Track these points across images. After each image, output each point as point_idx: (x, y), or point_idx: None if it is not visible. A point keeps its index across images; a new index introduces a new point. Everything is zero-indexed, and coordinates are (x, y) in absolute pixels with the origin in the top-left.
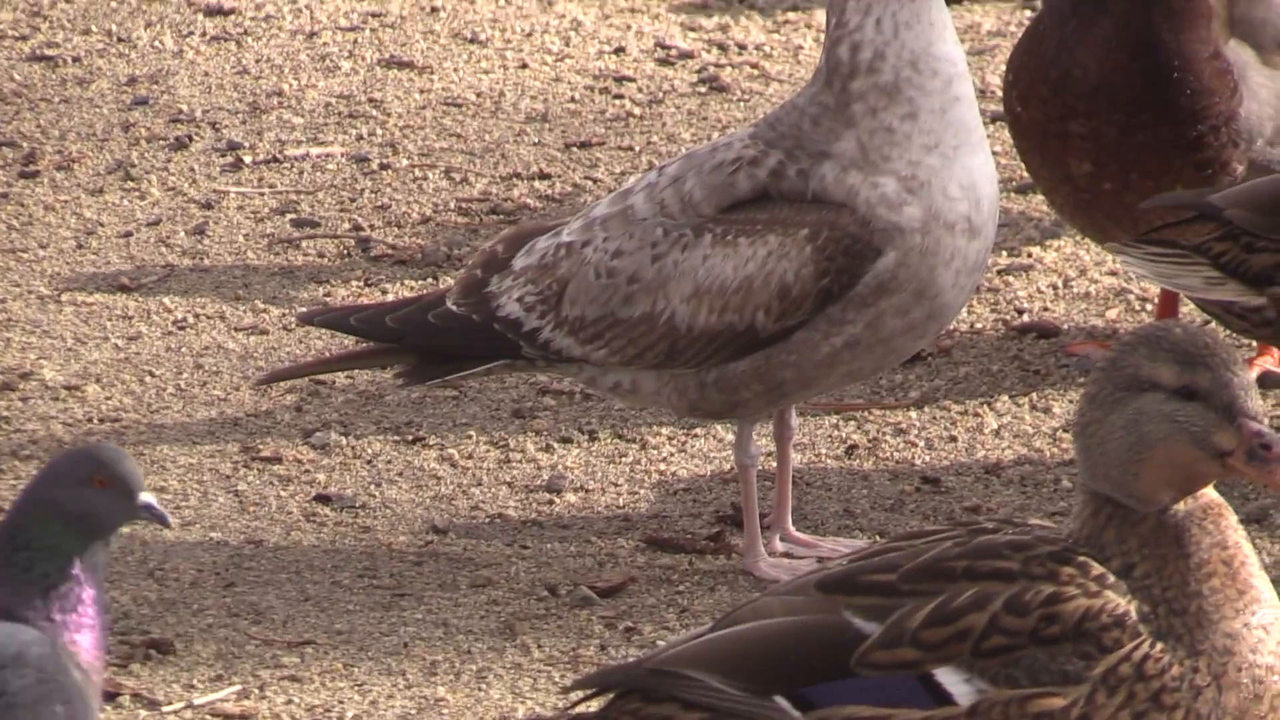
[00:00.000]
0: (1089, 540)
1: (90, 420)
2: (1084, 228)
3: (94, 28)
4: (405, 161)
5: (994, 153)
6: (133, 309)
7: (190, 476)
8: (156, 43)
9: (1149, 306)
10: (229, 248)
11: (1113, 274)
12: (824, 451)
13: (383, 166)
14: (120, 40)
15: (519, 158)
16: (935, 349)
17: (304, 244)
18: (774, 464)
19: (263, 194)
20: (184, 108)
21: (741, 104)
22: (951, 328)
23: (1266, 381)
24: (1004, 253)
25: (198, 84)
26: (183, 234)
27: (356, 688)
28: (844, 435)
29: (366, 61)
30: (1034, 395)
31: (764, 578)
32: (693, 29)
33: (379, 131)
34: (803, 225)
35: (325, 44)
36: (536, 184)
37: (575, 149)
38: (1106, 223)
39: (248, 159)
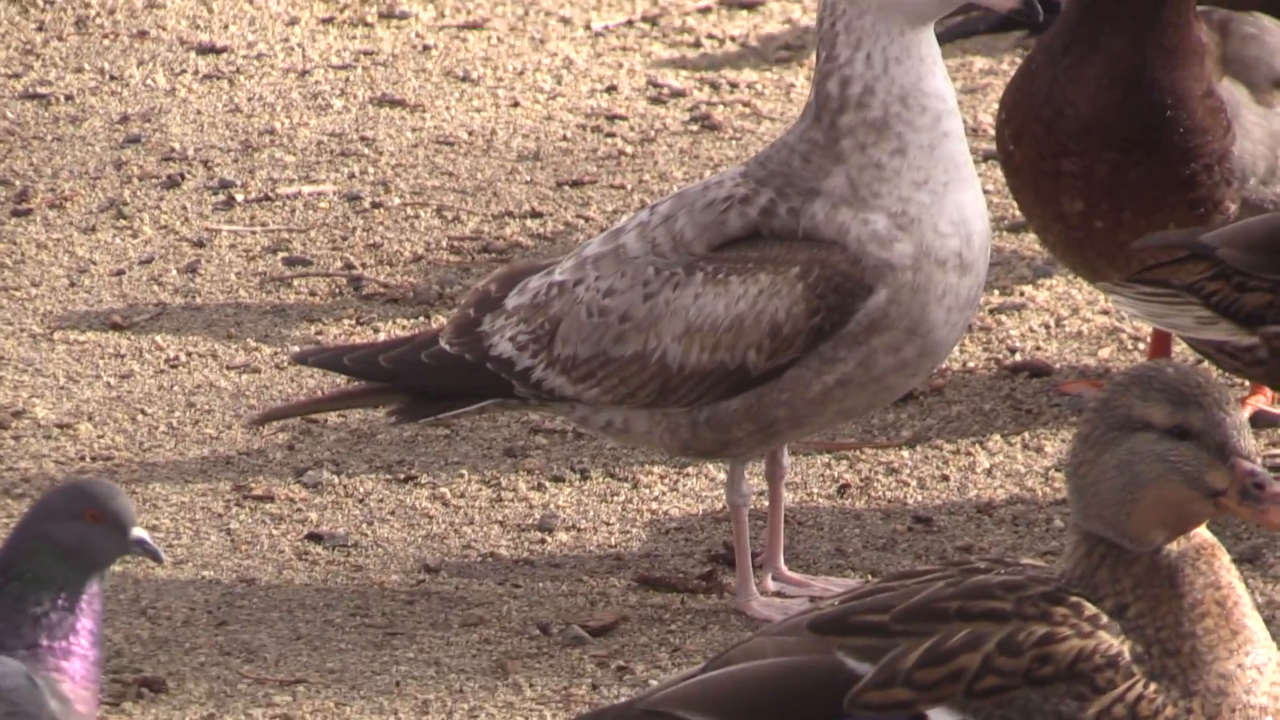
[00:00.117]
0: (1082, 580)
1: (83, 458)
2: (1076, 266)
3: (86, 66)
4: (397, 200)
5: (986, 191)
6: (125, 347)
7: (182, 515)
8: (149, 81)
9: (1141, 346)
10: (221, 286)
11: (1105, 313)
12: (816, 490)
13: (375, 205)
14: (113, 78)
15: (511, 196)
16: (927, 388)
17: (296, 282)
18: (766, 503)
19: (255, 232)
20: (176, 146)
21: (733, 142)
22: (944, 367)
23: (1259, 421)
24: (996, 291)
25: (190, 122)
26: (175, 272)
27: None
28: (836, 474)
29: (358, 100)
30: (1026, 434)
31: (756, 617)
32: (684, 67)
33: (371, 170)
34: (794, 263)
35: (317, 82)
36: (528, 222)
37: (567, 187)
38: (1099, 261)
39: (240, 197)
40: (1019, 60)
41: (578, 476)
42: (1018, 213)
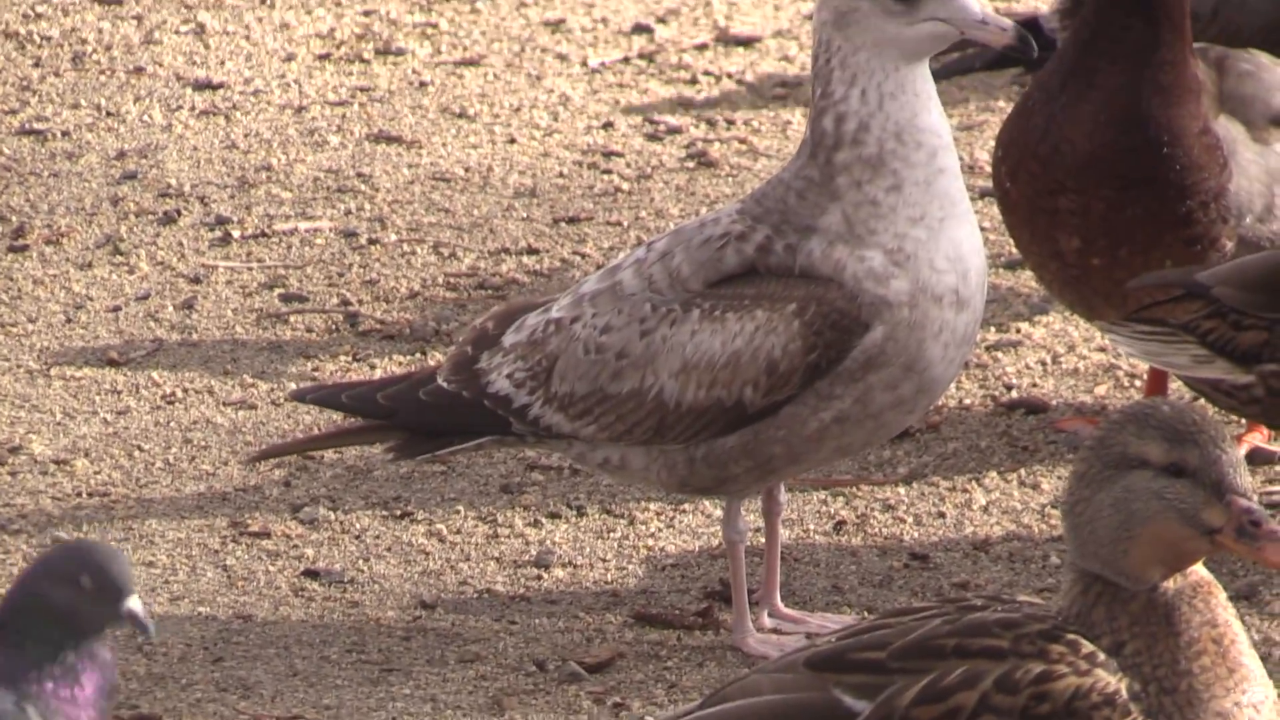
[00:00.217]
0: (1078, 618)
1: (79, 494)
2: (1073, 304)
3: (83, 102)
4: (393, 236)
5: (983, 228)
6: (121, 383)
7: (179, 551)
8: (145, 117)
9: (1138, 383)
10: (217, 322)
11: (1101, 350)
12: (812, 527)
13: (371, 241)
14: (109, 114)
15: (507, 233)
16: (923, 425)
17: (292, 319)
18: (763, 539)
19: (251, 269)
20: (173, 182)
21: (730, 179)
22: (940, 404)
23: (1256, 458)
24: (992, 329)
25: (186, 158)
26: (171, 308)
27: None
28: (832, 511)
29: (355, 136)
30: (1022, 471)
31: (752, 654)
32: (681, 104)
33: (367, 206)
34: (790, 300)
35: (314, 118)
36: (525, 259)
37: (563, 224)
38: (1095, 298)
39: (236, 233)
40: (1015, 97)
41: (574, 513)
42: (1014, 250)
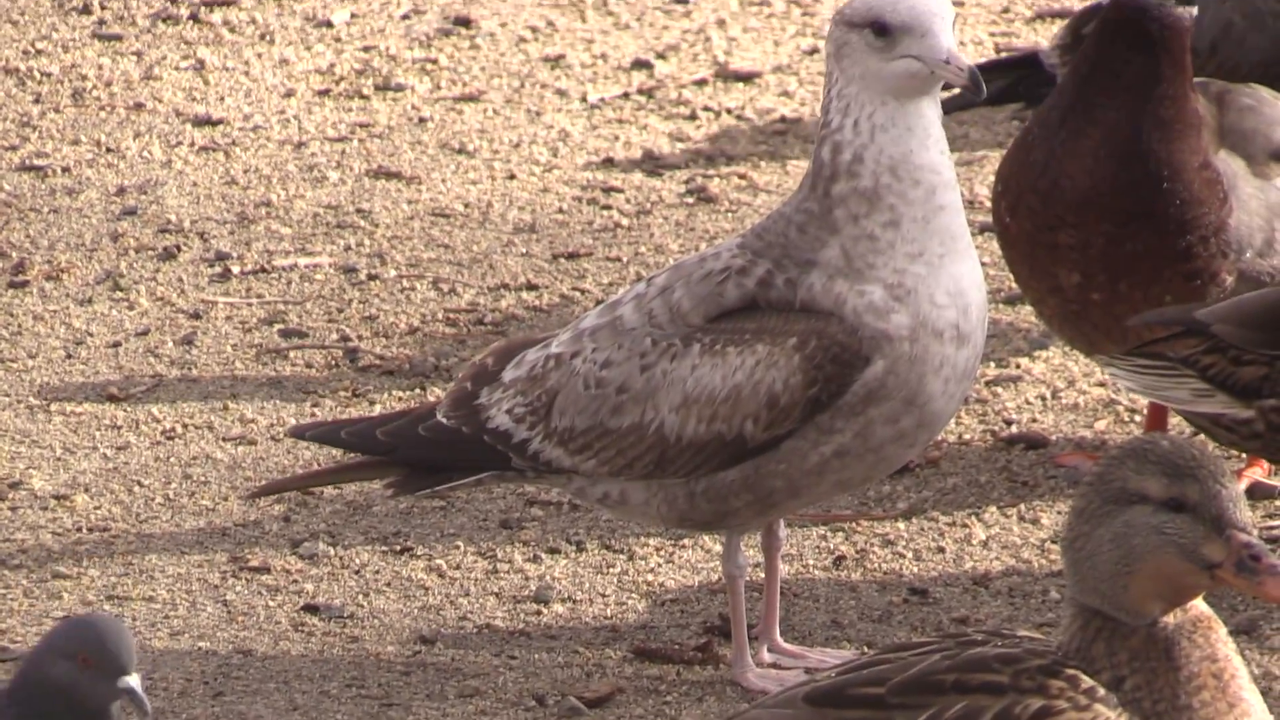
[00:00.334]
0: (1078, 653)
1: (79, 529)
2: (1072, 339)
3: (83, 138)
4: (393, 272)
5: (982, 263)
6: (121, 419)
7: (179, 586)
8: (145, 153)
9: (1138, 418)
10: (217, 358)
11: (1101, 385)
12: (812, 562)
13: (370, 277)
14: (109, 150)
15: (507, 268)
16: (923, 460)
17: (292, 354)
18: (762, 575)
19: (250, 304)
20: (172, 218)
21: (729, 215)
22: (940, 439)
23: (1256, 492)
24: (992, 364)
25: (186, 194)
26: (171, 344)
27: None
28: (832, 546)
29: (354, 172)
30: (1022, 506)
31: (752, 688)
32: (680, 140)
33: (367, 242)
34: (791, 334)
35: (313, 154)
36: (524, 295)
37: (563, 260)
38: (1095, 334)
39: (236, 269)
40: (1016, 133)
41: (573, 548)
42: (1014, 285)
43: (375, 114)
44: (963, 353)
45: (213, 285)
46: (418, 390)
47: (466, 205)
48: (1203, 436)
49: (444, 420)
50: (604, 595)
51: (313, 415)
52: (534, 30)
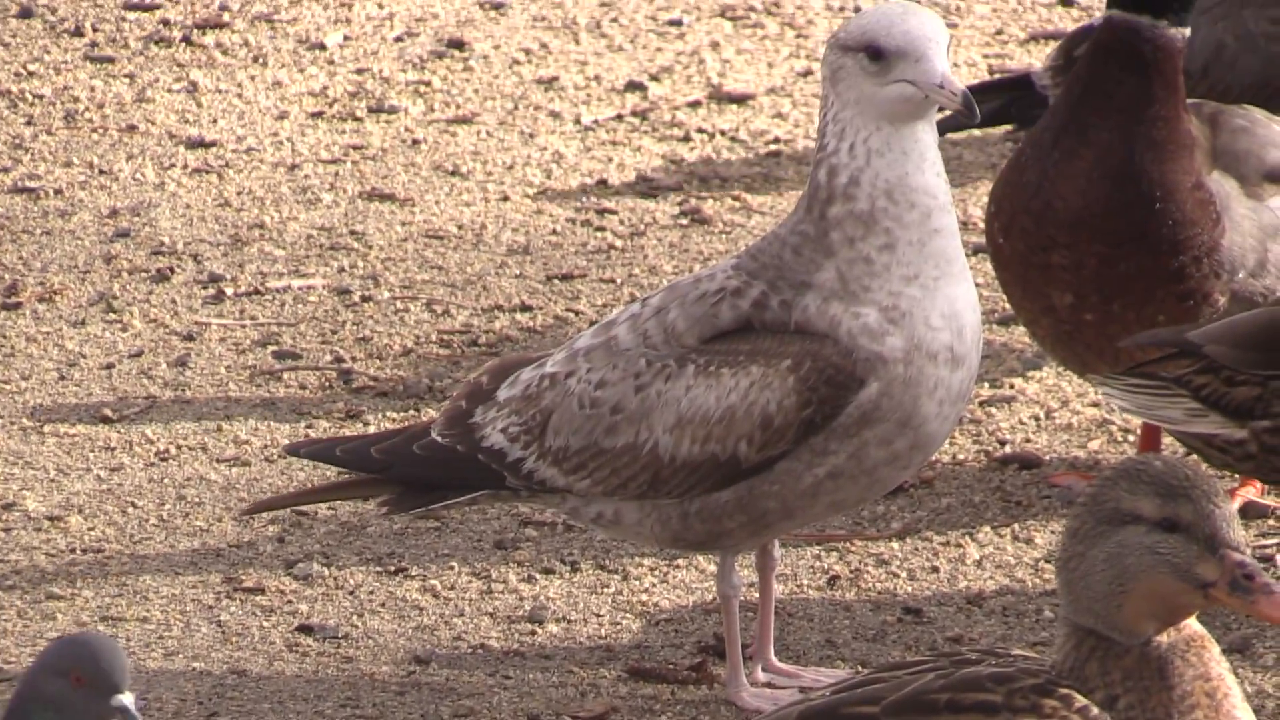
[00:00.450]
0: (1072, 672)
1: (73, 551)
2: (1065, 359)
3: (76, 160)
4: (387, 293)
5: (976, 284)
6: (115, 440)
7: (173, 607)
8: (138, 175)
9: (1131, 438)
10: (211, 379)
11: (1095, 405)
12: (806, 582)
13: (364, 298)
14: (102, 172)
15: (500, 290)
16: (917, 480)
17: (285, 376)
18: (756, 594)
19: (244, 326)
20: (166, 240)
21: (723, 236)
22: (933, 459)
23: (1250, 511)
24: (986, 384)
25: (179, 216)
26: (164, 366)
27: None
28: (826, 566)
29: (348, 194)
30: (1016, 526)
31: (746, 708)
32: (674, 161)
33: (360, 263)
34: (785, 356)
35: (306, 176)
36: (518, 316)
37: (557, 281)
38: (1088, 354)
39: (229, 291)
40: (1009, 154)
41: (568, 569)
42: (1007, 306)
43: (369, 136)
44: (957, 375)
45: (206, 307)
46: (411, 411)
47: (460, 227)
48: (1195, 457)
49: (439, 438)
50: (598, 615)
51: (306, 436)
52: (527, 52)
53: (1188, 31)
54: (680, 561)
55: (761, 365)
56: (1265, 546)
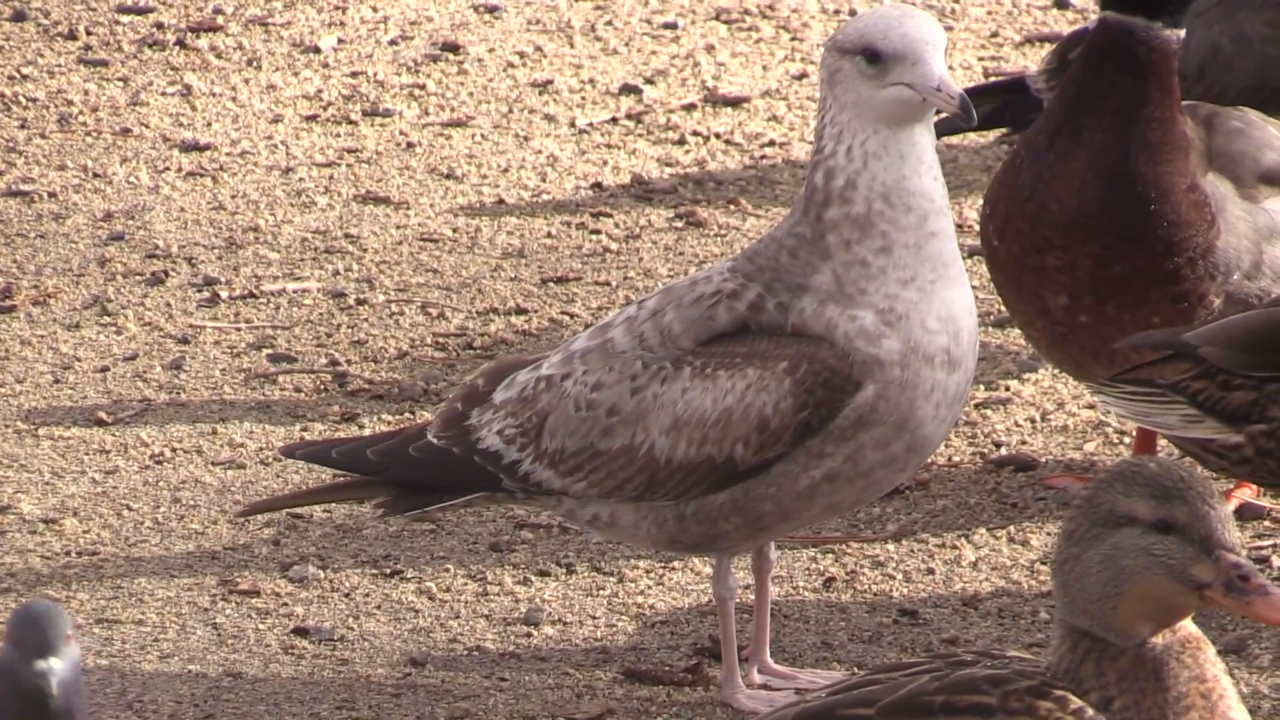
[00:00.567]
0: (1067, 674)
1: (68, 553)
2: (1060, 362)
3: (70, 163)
4: (382, 297)
5: (971, 286)
6: (110, 443)
7: (168, 609)
8: (132, 178)
9: (1127, 440)
10: (206, 382)
11: (1090, 407)
12: (802, 584)
13: (359, 302)
14: (96, 176)
15: (495, 293)
16: (913, 482)
17: (281, 379)
18: (752, 596)
19: (239, 329)
20: (160, 243)
21: (718, 239)
22: (929, 461)
23: (1245, 513)
24: (981, 386)
25: (174, 219)
26: (159, 369)
27: None
28: (822, 568)
29: (343, 197)
30: (1012, 528)
31: (742, 709)
32: (669, 164)
33: (355, 267)
34: (781, 358)
35: (301, 179)
36: (513, 319)
37: (552, 284)
38: (1082, 356)
39: (224, 294)
40: (1004, 156)
41: (563, 571)
42: (1002, 308)
43: (363, 139)
44: (954, 378)
45: (201, 310)
46: (407, 414)
47: (455, 230)
48: (1190, 461)
49: (435, 440)
50: (594, 617)
51: (302, 439)
52: (522, 56)
53: (1182, 33)
54: (676, 564)
55: (758, 368)
56: (1260, 548)
